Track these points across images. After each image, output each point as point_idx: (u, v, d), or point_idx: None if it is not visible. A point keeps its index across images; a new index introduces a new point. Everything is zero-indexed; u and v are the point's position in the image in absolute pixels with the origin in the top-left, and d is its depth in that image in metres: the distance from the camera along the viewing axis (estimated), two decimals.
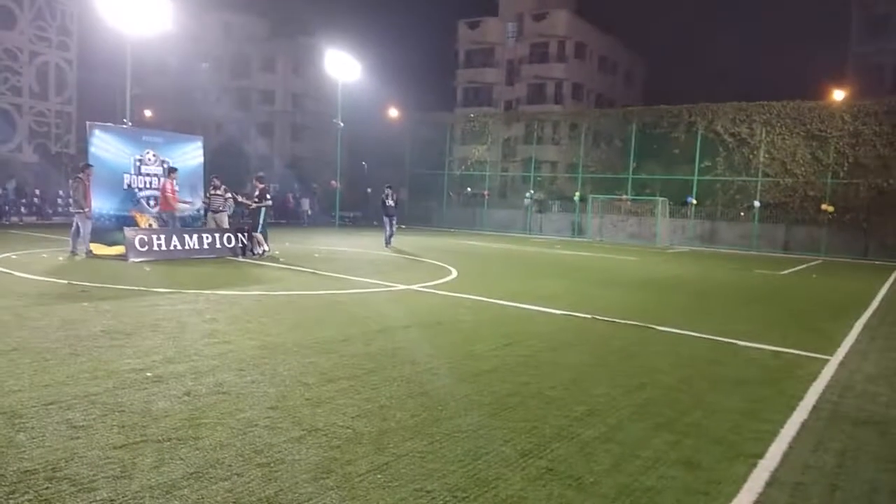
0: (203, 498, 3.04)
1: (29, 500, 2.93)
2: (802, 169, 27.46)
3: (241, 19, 59.07)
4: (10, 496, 2.97)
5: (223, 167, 16.34)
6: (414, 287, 10.66)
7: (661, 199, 29.64)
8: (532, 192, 34.59)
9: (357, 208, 37.84)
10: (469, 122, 38.93)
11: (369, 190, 37.20)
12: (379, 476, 3.38)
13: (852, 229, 25.86)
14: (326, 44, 32.09)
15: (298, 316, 7.78)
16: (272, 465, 3.44)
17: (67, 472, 3.23)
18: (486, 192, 36.10)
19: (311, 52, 42.56)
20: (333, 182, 33.33)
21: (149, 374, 4.97)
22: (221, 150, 37.95)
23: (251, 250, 14.35)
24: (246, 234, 14.47)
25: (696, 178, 29.34)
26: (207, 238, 13.94)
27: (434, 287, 10.78)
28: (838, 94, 28.09)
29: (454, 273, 13.05)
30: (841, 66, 39.24)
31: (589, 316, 8.60)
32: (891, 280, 16.32)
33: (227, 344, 6.08)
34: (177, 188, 14.35)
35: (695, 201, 29.28)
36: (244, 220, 15.34)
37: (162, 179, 14.47)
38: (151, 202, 14.38)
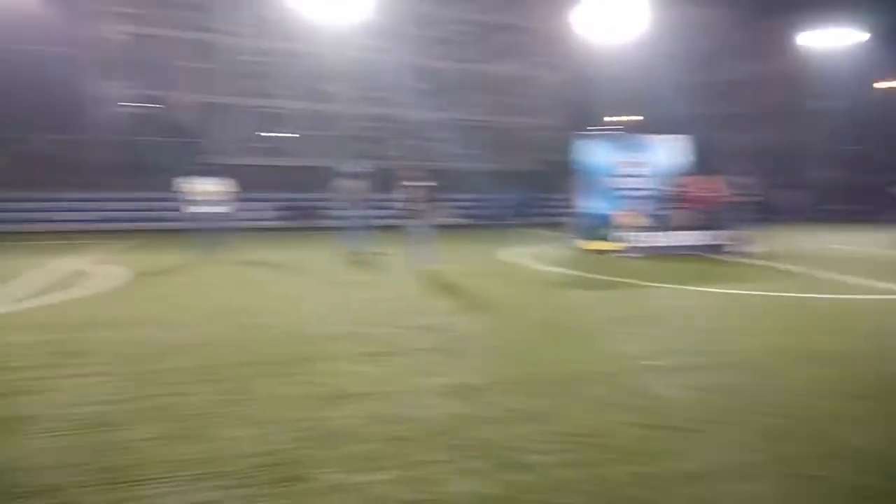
0: (721, 496, 3.01)
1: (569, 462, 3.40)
2: None
3: (707, 13, 57.29)
4: (560, 452, 3.49)
5: (696, 165, 16.18)
6: None
7: None
8: None
9: (864, 201, 32.08)
10: None
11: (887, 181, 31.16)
12: None
13: None
14: (802, 20, 28.29)
15: (793, 321, 7.08)
16: (805, 480, 3.19)
17: (601, 441, 3.62)
18: None
19: (781, 33, 38.44)
20: (824, 173, 29.32)
21: (654, 362, 5.22)
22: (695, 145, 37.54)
23: (734, 247, 13.77)
24: (726, 231, 13.99)
25: None
26: (689, 235, 14.04)
27: None
28: None
29: None
30: None
31: None
32: None
33: (727, 343, 5.94)
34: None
35: None
36: (726, 216, 14.79)
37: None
38: (634, 202, 15.15)
